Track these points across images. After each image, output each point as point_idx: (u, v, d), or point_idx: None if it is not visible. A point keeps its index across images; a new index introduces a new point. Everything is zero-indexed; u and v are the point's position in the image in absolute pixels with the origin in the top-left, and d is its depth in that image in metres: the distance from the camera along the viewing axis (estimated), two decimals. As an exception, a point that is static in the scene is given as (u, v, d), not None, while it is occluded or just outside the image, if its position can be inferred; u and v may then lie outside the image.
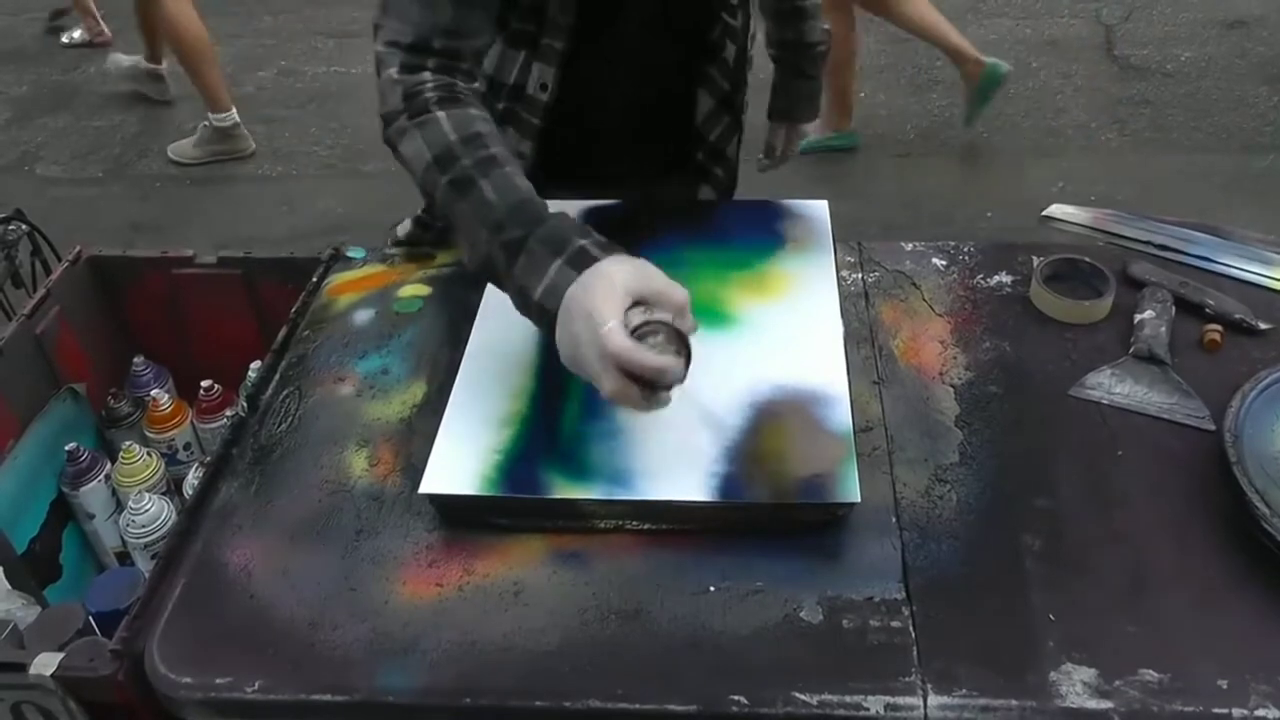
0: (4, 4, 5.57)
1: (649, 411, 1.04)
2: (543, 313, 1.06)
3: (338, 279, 1.46)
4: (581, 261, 1.04)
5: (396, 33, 1.20)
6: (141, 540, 1.43)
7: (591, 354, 1.01)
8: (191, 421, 1.60)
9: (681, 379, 1.03)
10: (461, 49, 1.22)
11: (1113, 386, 1.22)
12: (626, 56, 1.47)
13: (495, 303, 1.32)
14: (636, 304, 1.03)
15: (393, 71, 1.19)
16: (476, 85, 1.24)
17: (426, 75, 1.19)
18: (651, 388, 1.02)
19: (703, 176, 1.63)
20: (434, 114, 1.16)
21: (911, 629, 0.98)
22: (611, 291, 1.02)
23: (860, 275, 1.41)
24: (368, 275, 1.47)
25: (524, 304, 1.09)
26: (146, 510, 1.43)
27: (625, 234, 1.42)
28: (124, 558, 1.51)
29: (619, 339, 0.99)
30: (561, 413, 1.17)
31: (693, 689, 0.95)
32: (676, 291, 1.05)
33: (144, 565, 1.43)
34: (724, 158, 1.64)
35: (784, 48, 1.76)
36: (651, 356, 1.00)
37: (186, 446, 1.59)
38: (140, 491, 1.45)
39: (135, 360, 1.62)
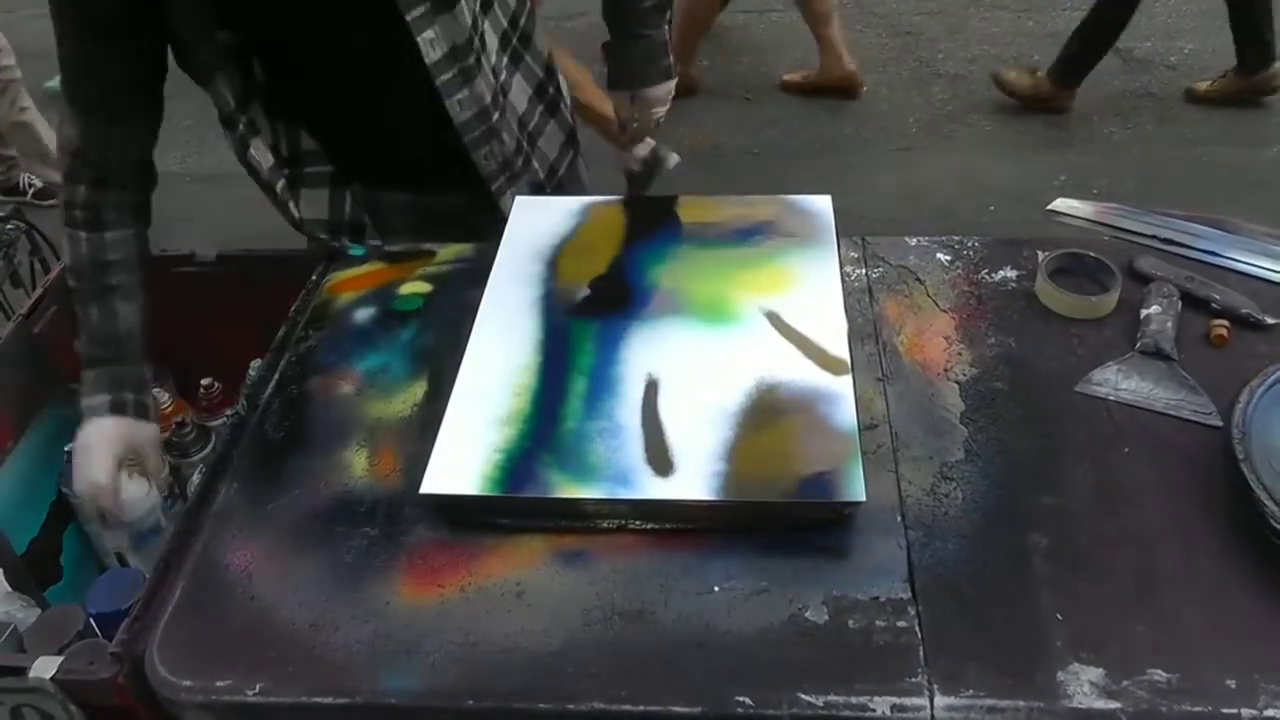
0: (2, 2, 5.56)
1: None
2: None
3: (338, 277, 1.46)
4: (116, 409, 1.34)
5: (66, 137, 1.38)
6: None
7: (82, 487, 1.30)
8: (192, 420, 1.59)
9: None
10: (108, 162, 1.40)
11: (1119, 383, 1.21)
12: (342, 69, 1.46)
13: (496, 301, 1.32)
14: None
15: (64, 170, 1.39)
16: (130, 196, 1.45)
17: (82, 190, 1.38)
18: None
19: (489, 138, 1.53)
20: (77, 233, 1.39)
21: (918, 629, 0.97)
22: (105, 444, 1.31)
23: (864, 271, 1.40)
24: (368, 273, 1.46)
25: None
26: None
27: (626, 231, 1.43)
28: (124, 559, 1.51)
29: (99, 481, 1.29)
30: (563, 411, 1.16)
31: (697, 690, 0.94)
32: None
33: (121, 544, 1.46)
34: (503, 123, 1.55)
35: (608, 6, 1.59)
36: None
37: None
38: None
39: (135, 359, 1.61)
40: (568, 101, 1.72)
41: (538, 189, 1.63)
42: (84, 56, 1.34)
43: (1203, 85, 4.08)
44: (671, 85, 1.65)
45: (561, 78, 1.70)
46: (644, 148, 1.70)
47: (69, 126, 1.37)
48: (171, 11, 1.32)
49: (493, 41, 1.50)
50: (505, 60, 1.55)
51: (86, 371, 1.35)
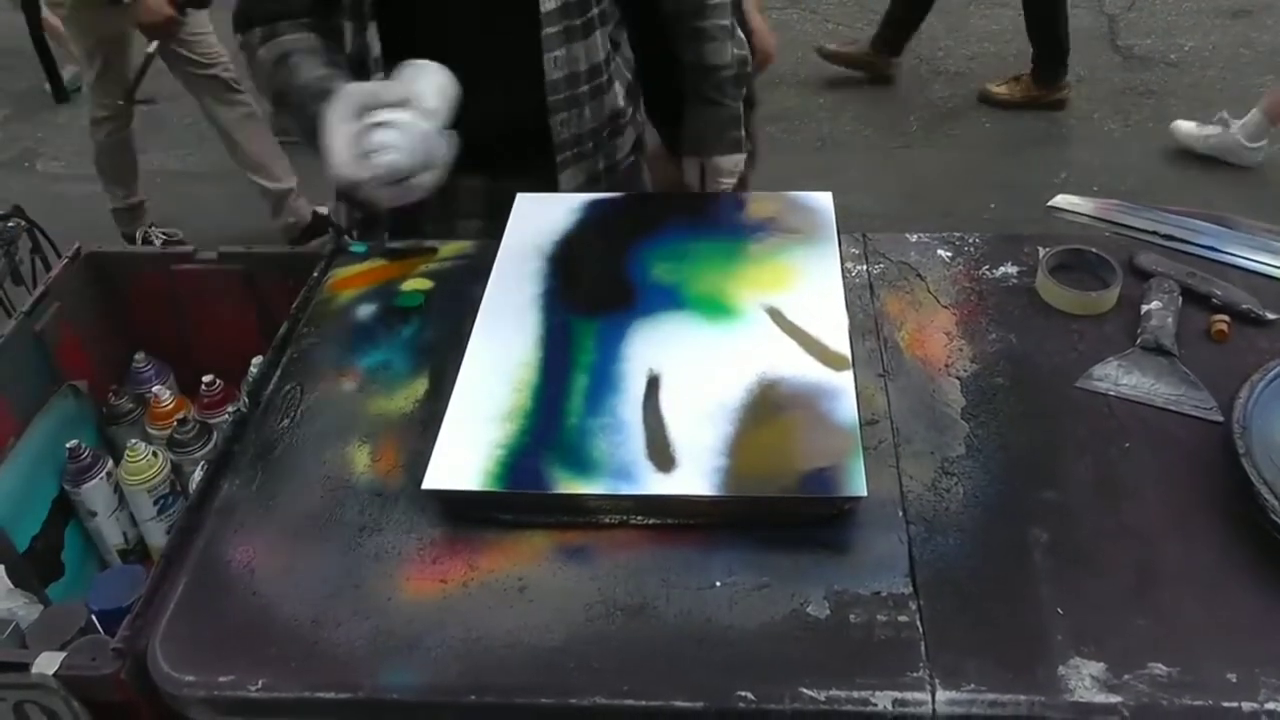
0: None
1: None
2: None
3: (339, 274, 1.46)
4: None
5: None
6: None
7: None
8: (193, 417, 1.59)
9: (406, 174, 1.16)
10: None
11: (1120, 378, 1.21)
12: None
13: (498, 297, 1.32)
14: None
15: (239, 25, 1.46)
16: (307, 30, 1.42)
17: (256, 33, 1.43)
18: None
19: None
20: (255, 56, 1.43)
21: (919, 623, 0.97)
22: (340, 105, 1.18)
23: (865, 267, 1.40)
24: (369, 270, 1.46)
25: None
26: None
27: (628, 227, 1.43)
28: (127, 555, 1.51)
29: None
30: (565, 407, 1.16)
31: (699, 685, 0.94)
32: (391, 88, 1.19)
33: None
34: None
35: (689, 71, 1.62)
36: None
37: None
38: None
39: (136, 357, 1.61)
40: (642, 113, 1.74)
41: (594, 179, 1.63)
42: None
43: (996, 87, 4.11)
44: (741, 159, 1.69)
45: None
46: None
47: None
48: None
49: (605, 23, 1.53)
50: (609, 46, 1.57)
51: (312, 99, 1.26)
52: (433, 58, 1.29)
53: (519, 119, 1.52)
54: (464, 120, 1.23)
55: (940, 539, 1.05)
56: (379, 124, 1.15)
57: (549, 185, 1.58)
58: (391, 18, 1.47)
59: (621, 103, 1.62)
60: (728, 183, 1.68)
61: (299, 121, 1.32)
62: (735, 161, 1.67)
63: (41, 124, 4.52)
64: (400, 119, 1.15)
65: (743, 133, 1.66)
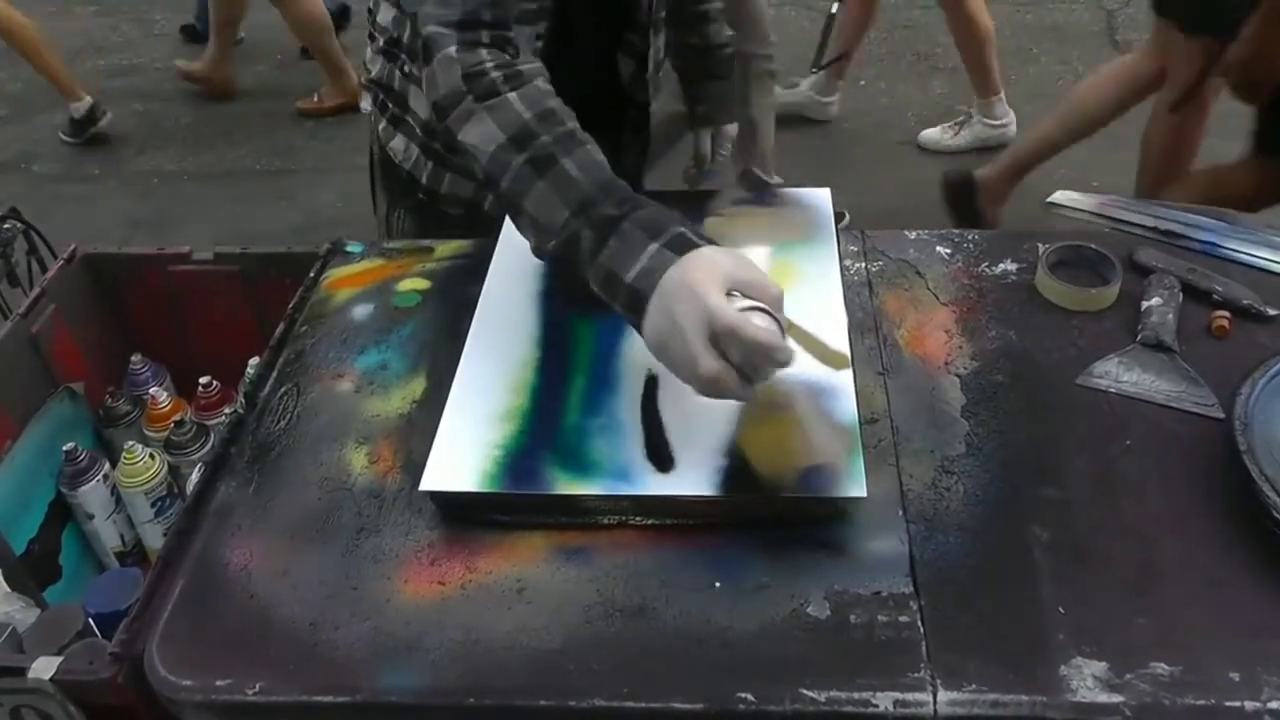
0: (-1, 1, 5.55)
1: (742, 399, 1.02)
2: (634, 297, 1.01)
3: (336, 274, 1.45)
4: (681, 246, 1.01)
5: (441, 13, 1.15)
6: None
7: (694, 332, 0.96)
8: (190, 418, 1.59)
9: (788, 360, 1.00)
10: (507, 18, 1.16)
11: (1120, 375, 1.21)
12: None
13: (495, 297, 1.31)
14: (731, 293, 0.99)
15: (451, 50, 1.13)
16: (535, 62, 1.17)
17: (484, 54, 1.13)
18: (747, 376, 0.99)
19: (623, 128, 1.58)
20: (503, 94, 1.11)
21: (920, 624, 0.97)
22: (714, 272, 0.98)
23: (864, 264, 1.40)
24: (366, 270, 1.46)
25: (611, 289, 1.04)
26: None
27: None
28: (124, 557, 1.51)
29: (730, 311, 0.96)
30: (563, 407, 1.16)
31: (699, 686, 0.94)
32: (773, 285, 1.01)
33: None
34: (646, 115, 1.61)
35: (690, 53, 1.72)
36: (764, 330, 0.97)
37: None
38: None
39: (133, 358, 1.61)
40: None
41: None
42: None
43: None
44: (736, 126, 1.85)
45: None
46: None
47: None
48: None
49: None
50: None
51: (605, 243, 1.03)
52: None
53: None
54: None
55: (941, 538, 1.05)
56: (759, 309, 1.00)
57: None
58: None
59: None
60: (729, 147, 1.85)
61: (561, 231, 1.07)
62: (735, 129, 1.85)
63: (38, 125, 4.51)
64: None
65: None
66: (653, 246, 1.01)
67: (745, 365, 0.98)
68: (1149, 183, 2.81)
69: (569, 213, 1.06)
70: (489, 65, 1.13)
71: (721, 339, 0.97)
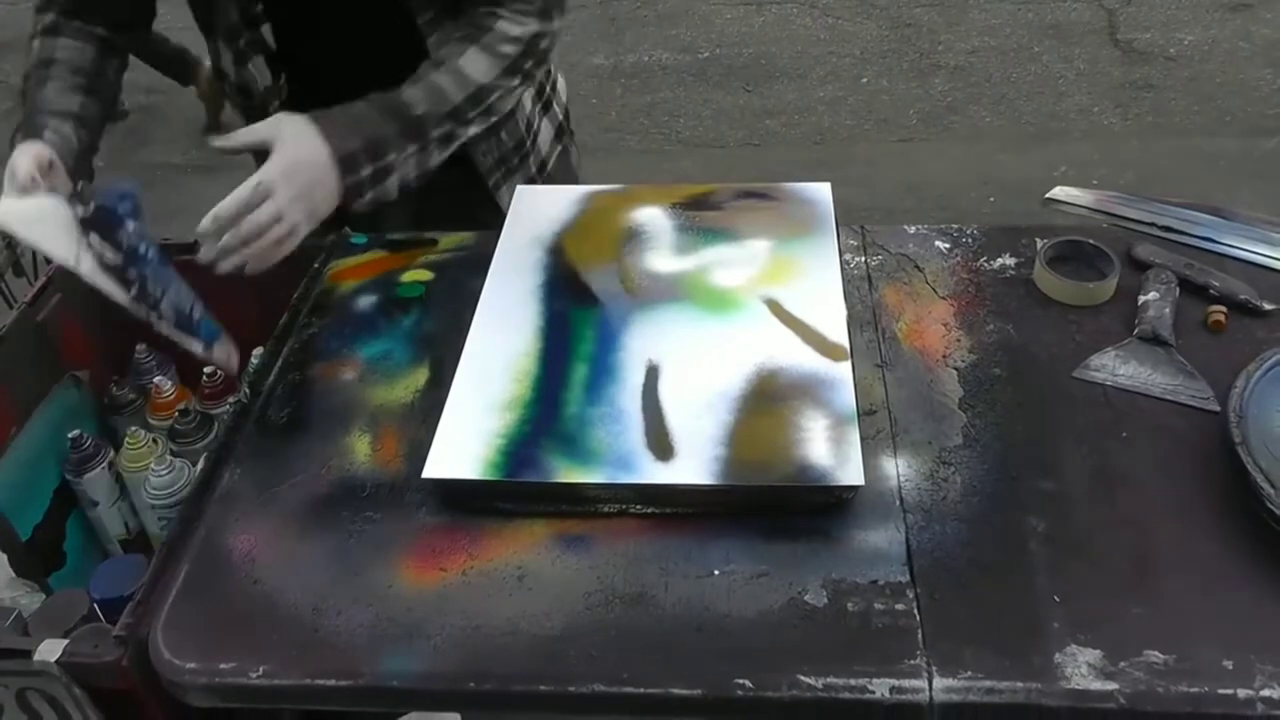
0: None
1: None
2: None
3: (340, 265, 1.46)
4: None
5: None
6: (156, 502, 1.43)
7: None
8: (195, 408, 1.59)
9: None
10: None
11: (1117, 368, 1.22)
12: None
13: (497, 288, 1.32)
14: None
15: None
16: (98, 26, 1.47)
17: (49, 16, 1.45)
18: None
19: None
20: (31, 42, 1.44)
21: (916, 612, 0.98)
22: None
23: (863, 259, 1.41)
24: (370, 261, 1.47)
25: None
26: (164, 474, 1.43)
27: (627, 219, 1.43)
28: (128, 544, 1.51)
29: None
30: (564, 397, 1.17)
31: (697, 673, 0.95)
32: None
33: (154, 529, 1.44)
34: None
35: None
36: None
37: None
38: (163, 454, 1.45)
39: (138, 347, 1.61)
40: (561, 97, 1.74)
41: (530, 182, 1.64)
42: None
43: None
44: None
45: (557, 73, 1.71)
46: None
47: None
48: None
49: None
50: None
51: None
52: (331, 91, 1.32)
53: None
54: None
55: (938, 528, 1.06)
56: None
57: (486, 201, 1.59)
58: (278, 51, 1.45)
59: (529, 105, 1.61)
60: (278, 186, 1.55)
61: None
62: (319, 165, 1.56)
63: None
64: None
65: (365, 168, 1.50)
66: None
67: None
68: None
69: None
70: (42, 26, 1.46)
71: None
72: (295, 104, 1.40)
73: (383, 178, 1.32)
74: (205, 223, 1.24)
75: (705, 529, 1.06)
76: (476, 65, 1.35)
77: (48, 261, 1.66)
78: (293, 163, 1.25)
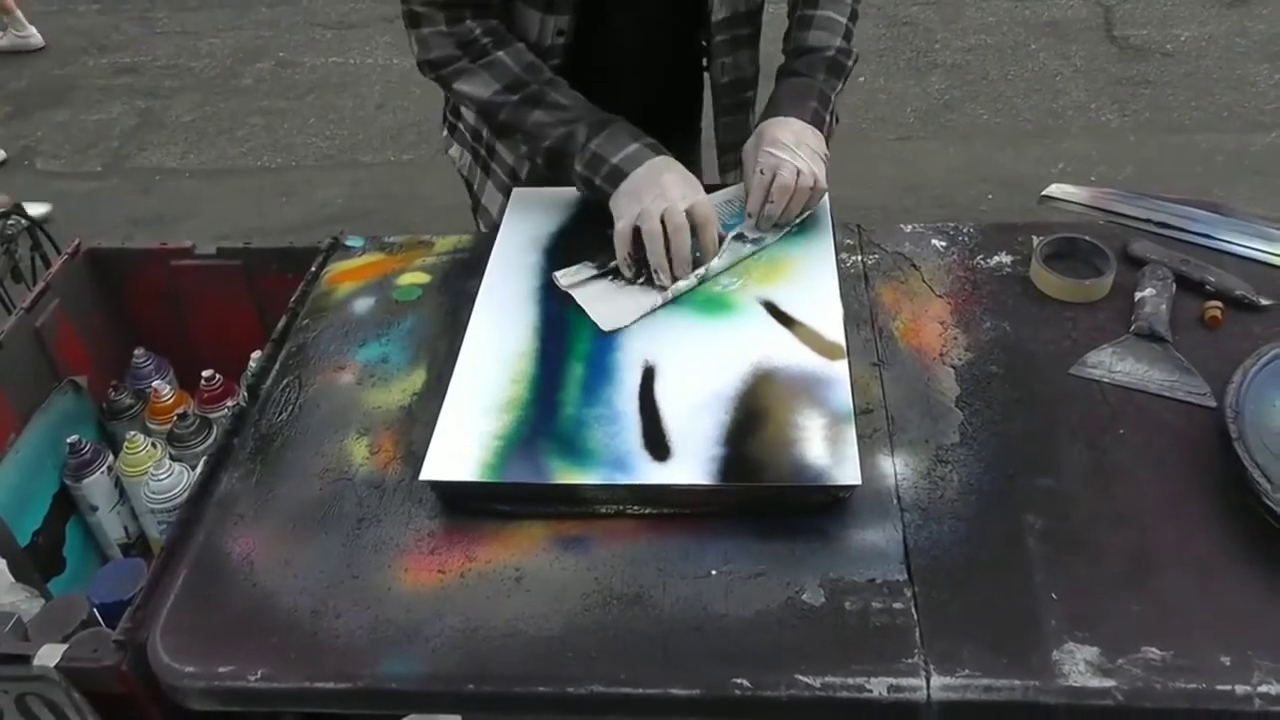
0: (0, -1, 5.56)
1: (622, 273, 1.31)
2: (615, 173, 1.31)
3: (337, 268, 1.46)
4: (655, 150, 1.33)
5: None
6: (156, 507, 1.44)
7: (674, 192, 1.28)
8: (193, 411, 1.60)
9: (669, 281, 1.29)
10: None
11: (1114, 365, 1.22)
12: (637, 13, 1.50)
13: (494, 290, 1.32)
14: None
15: (441, 27, 1.38)
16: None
17: (471, 24, 1.38)
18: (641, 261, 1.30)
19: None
20: (494, 55, 1.39)
21: (914, 610, 0.98)
22: (676, 181, 1.30)
23: (860, 257, 1.41)
24: (367, 264, 1.47)
25: (594, 167, 1.33)
26: (164, 478, 1.43)
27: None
28: (128, 549, 1.52)
29: (660, 217, 1.26)
30: (561, 398, 1.17)
31: (695, 673, 0.95)
32: (706, 207, 1.30)
33: (153, 532, 1.45)
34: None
35: (788, 57, 1.51)
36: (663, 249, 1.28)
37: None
38: (162, 459, 1.45)
39: (136, 352, 1.61)
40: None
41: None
42: None
43: None
44: (807, 130, 1.48)
45: None
46: None
47: None
48: None
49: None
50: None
51: (594, 137, 1.34)
52: (608, 50, 1.45)
53: (673, 121, 1.59)
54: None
55: (935, 526, 1.06)
56: None
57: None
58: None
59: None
60: (777, 154, 1.36)
61: (553, 136, 1.37)
62: (796, 130, 1.39)
63: (41, 122, 4.52)
64: None
65: (827, 113, 1.45)
66: (636, 145, 1.33)
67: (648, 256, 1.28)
68: None
69: (562, 128, 1.36)
70: (479, 33, 1.38)
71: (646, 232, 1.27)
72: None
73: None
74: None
75: (703, 529, 1.07)
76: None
77: (46, 266, 1.67)
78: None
